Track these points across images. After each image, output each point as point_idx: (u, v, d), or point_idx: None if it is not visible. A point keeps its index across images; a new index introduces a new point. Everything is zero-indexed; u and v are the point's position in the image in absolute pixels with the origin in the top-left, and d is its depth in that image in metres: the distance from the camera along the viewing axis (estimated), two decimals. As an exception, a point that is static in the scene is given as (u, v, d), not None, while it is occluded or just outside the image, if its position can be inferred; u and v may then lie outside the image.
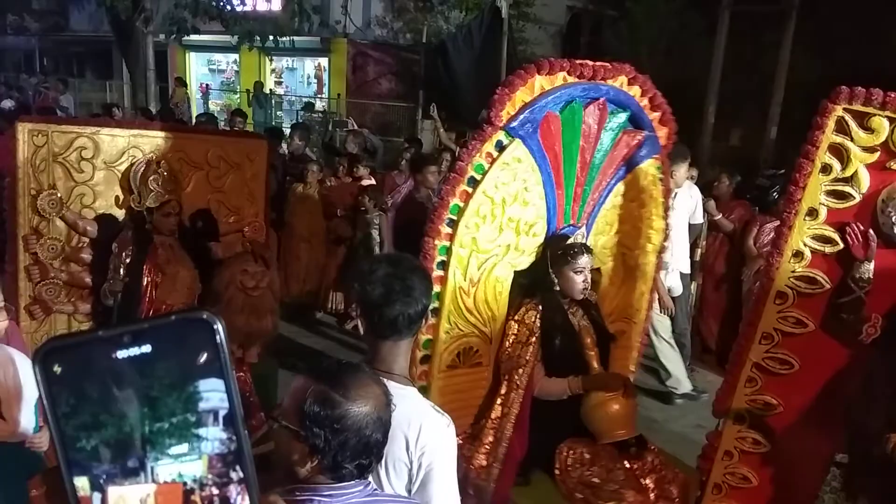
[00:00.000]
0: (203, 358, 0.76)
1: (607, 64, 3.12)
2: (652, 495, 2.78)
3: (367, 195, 5.84)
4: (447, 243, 2.85)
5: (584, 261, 2.97)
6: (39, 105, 11.91)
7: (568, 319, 3.01)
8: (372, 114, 15.36)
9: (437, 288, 2.79)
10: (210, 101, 18.66)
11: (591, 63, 3.06)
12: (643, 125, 3.29)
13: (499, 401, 2.98)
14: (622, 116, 3.18)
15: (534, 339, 2.93)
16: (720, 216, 5.62)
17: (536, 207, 3.09)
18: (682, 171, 4.77)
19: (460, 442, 2.63)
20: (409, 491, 1.64)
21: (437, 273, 2.84)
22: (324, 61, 17.71)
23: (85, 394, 0.75)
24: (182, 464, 0.77)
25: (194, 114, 13.36)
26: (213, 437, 0.78)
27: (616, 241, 3.45)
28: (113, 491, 0.76)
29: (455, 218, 2.86)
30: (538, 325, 2.93)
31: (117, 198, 3.79)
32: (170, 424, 0.77)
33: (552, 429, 2.98)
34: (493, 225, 2.94)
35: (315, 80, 18.37)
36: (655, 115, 3.38)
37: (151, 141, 3.88)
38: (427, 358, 2.94)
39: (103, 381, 0.75)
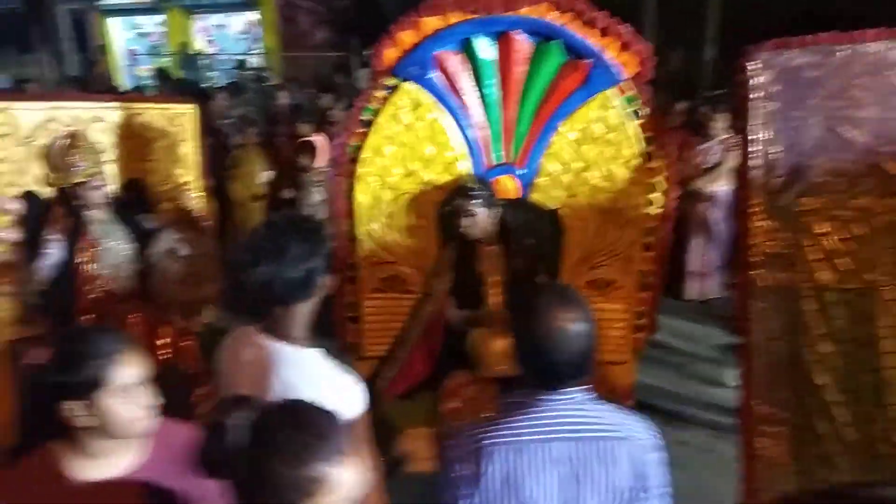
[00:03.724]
0: None
1: None
2: None
3: (306, 152, 5.70)
4: (350, 179, 3.17)
5: (471, 204, 2.93)
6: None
7: (472, 258, 3.04)
8: (309, 67, 14.91)
9: (348, 220, 3.23)
10: (139, 67, 17.92)
11: None
12: (587, 54, 3.01)
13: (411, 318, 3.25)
14: (552, 47, 2.98)
15: (444, 272, 3.12)
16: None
17: (454, 147, 3.09)
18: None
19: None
20: None
21: (346, 206, 3.21)
22: (254, 16, 17.08)
23: None
24: None
25: (121, 81, 12.77)
26: None
27: (585, 181, 3.13)
28: None
29: (354, 156, 3.16)
30: (449, 260, 3.12)
31: (40, 175, 3.62)
32: None
33: (453, 357, 3.11)
34: (402, 163, 3.14)
35: (248, 37, 17.74)
36: (612, 41, 3.00)
37: (70, 113, 3.68)
38: (353, 279, 3.31)
39: None
